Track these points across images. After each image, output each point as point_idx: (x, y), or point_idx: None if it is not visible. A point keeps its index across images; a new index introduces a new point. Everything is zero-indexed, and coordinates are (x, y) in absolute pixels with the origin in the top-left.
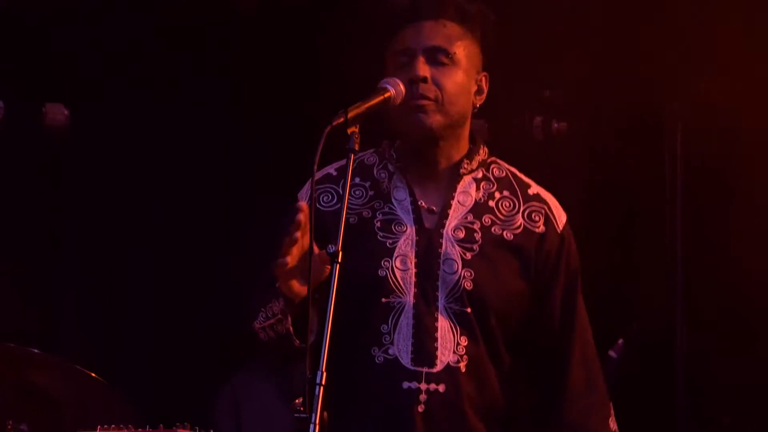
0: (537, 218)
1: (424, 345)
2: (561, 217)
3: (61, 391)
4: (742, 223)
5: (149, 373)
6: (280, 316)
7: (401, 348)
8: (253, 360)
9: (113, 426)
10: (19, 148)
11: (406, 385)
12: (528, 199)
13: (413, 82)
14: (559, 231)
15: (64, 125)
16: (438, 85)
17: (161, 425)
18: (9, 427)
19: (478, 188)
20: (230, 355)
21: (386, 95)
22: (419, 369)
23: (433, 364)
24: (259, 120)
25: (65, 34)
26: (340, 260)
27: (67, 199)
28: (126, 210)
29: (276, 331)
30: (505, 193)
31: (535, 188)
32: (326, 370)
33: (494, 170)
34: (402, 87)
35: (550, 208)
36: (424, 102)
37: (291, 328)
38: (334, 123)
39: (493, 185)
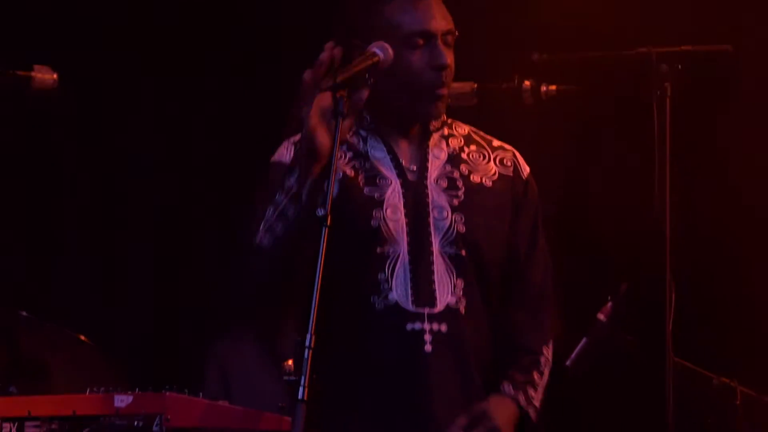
0: (508, 163)
1: (423, 287)
2: (525, 167)
3: (50, 353)
4: (731, 182)
5: (138, 336)
6: (295, 189)
7: (400, 293)
8: (238, 325)
9: (102, 389)
10: (5, 111)
11: (409, 326)
12: (494, 149)
13: (440, 69)
14: (524, 177)
15: (52, 88)
16: (450, 68)
17: (150, 388)
18: None
19: (447, 144)
20: (217, 319)
21: (375, 60)
22: (421, 310)
23: (433, 305)
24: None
25: None
26: (329, 223)
27: (59, 160)
28: (118, 171)
29: (287, 216)
30: (472, 147)
31: (497, 142)
32: (316, 332)
33: (456, 128)
34: (391, 51)
35: (515, 156)
36: (446, 92)
37: (309, 192)
38: (323, 87)
39: (461, 140)
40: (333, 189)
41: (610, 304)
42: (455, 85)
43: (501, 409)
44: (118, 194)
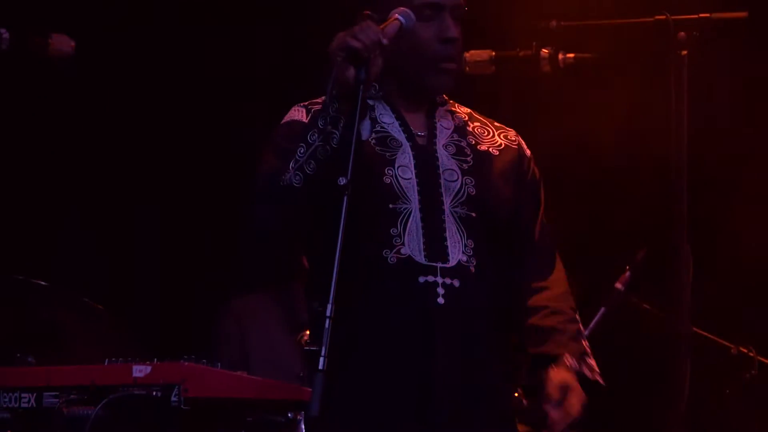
0: (512, 138)
1: (435, 243)
2: (527, 148)
3: (68, 323)
4: (747, 148)
5: (156, 305)
6: (330, 129)
7: (413, 247)
8: (254, 287)
9: (120, 359)
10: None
11: (422, 279)
12: (497, 128)
13: (447, 41)
14: (528, 155)
15: (70, 56)
16: (459, 43)
17: (168, 358)
18: (16, 358)
19: (452, 118)
20: (235, 276)
21: (398, 24)
22: (433, 264)
23: (446, 260)
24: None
25: None
26: (350, 191)
27: (73, 132)
28: (130, 142)
29: (317, 156)
30: (476, 124)
31: (498, 123)
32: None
33: (458, 107)
34: (413, 17)
35: (517, 136)
36: (454, 66)
37: (345, 126)
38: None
39: (464, 117)
40: (352, 156)
41: (628, 273)
42: (473, 52)
43: (573, 381)
44: (135, 163)
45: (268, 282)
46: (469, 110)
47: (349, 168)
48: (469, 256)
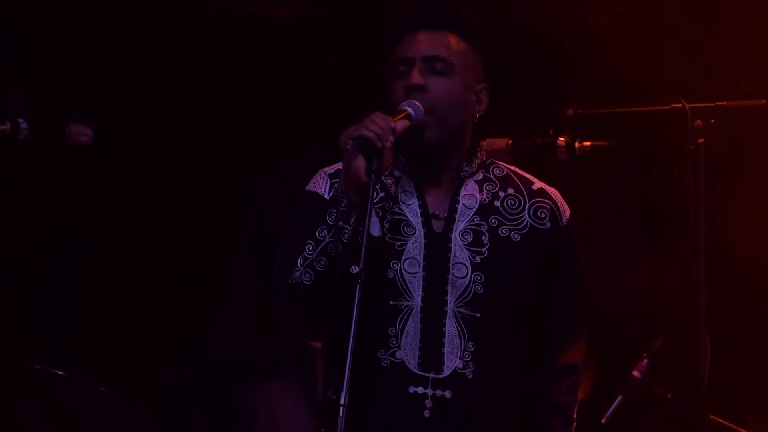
0: (543, 215)
1: (431, 350)
2: (565, 212)
3: (86, 410)
4: (766, 236)
5: (171, 389)
6: (340, 225)
7: (408, 352)
8: (272, 372)
9: None
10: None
11: (412, 389)
12: (533, 194)
13: (409, 89)
14: (563, 226)
15: (88, 145)
16: (437, 94)
17: None
18: None
19: (481, 190)
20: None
21: (406, 113)
22: (426, 374)
23: (440, 370)
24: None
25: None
26: (362, 280)
27: (87, 213)
28: (144, 220)
29: (329, 253)
30: (510, 190)
31: (537, 183)
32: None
33: (494, 170)
34: (423, 109)
35: (555, 203)
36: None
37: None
38: (353, 139)
39: (496, 185)
40: (365, 245)
41: (645, 361)
42: (490, 141)
43: None
44: (147, 242)
45: (291, 365)
46: (508, 170)
47: (362, 256)
48: (467, 361)
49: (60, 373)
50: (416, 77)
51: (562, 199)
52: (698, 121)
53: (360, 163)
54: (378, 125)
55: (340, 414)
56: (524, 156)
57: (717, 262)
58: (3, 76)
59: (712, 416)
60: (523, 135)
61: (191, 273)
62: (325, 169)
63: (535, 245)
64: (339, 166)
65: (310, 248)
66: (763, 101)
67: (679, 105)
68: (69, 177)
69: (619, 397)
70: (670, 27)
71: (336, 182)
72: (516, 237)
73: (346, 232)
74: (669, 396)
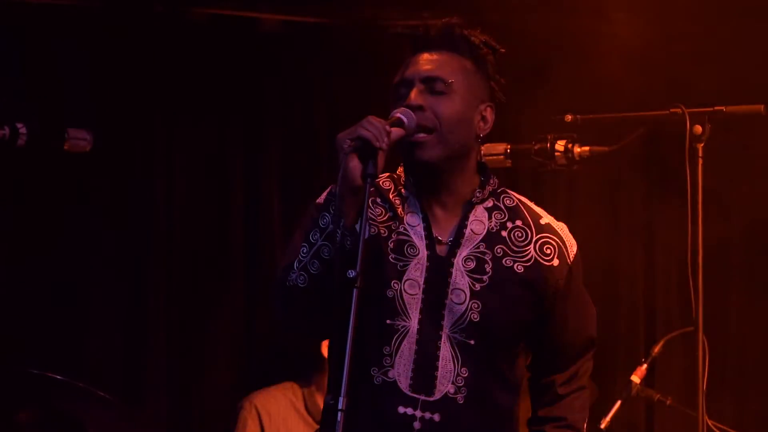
0: (549, 251)
1: (423, 372)
2: (572, 248)
3: (86, 416)
4: (765, 241)
5: (173, 395)
6: (330, 229)
7: (401, 372)
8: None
9: None
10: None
11: (401, 409)
12: (540, 229)
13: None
14: (569, 262)
15: (87, 150)
16: (436, 114)
17: None
18: None
19: (490, 218)
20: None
21: (396, 119)
22: (416, 396)
23: (431, 393)
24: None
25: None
26: (359, 285)
27: (92, 218)
28: (145, 228)
29: (322, 256)
30: (518, 222)
31: (546, 218)
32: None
33: (505, 200)
34: (414, 116)
35: (561, 239)
36: (422, 136)
37: (343, 234)
38: (347, 146)
39: (505, 215)
40: (362, 250)
41: (644, 366)
42: (488, 145)
43: None
44: (150, 248)
45: (288, 374)
46: (518, 200)
47: (359, 261)
48: (459, 387)
49: (59, 378)
50: (413, 98)
51: (569, 234)
52: (697, 126)
53: (355, 164)
54: (374, 126)
55: (338, 419)
56: (522, 161)
57: (716, 265)
58: (2, 81)
59: (710, 422)
60: (521, 140)
61: (189, 275)
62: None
63: (538, 279)
64: None
65: (305, 251)
66: (762, 106)
67: (678, 110)
68: (68, 181)
69: (618, 402)
70: (673, 32)
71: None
72: (519, 269)
73: (338, 236)
74: (668, 401)
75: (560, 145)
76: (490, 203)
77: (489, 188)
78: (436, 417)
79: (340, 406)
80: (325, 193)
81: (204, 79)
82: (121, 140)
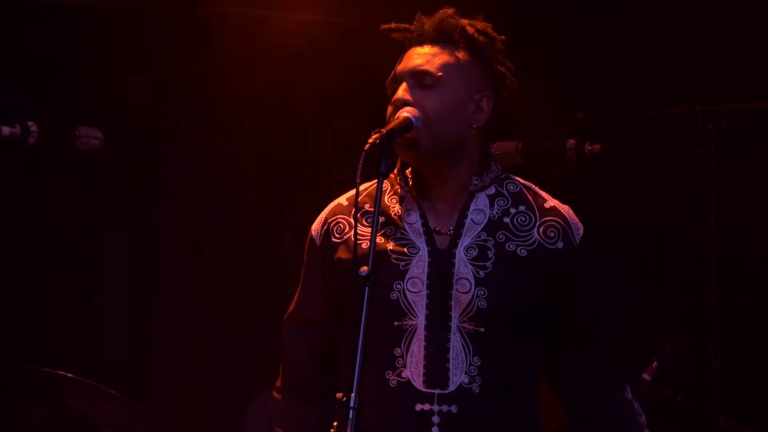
0: (553, 234)
1: (436, 366)
2: (578, 231)
3: (96, 414)
4: None
5: (184, 394)
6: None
7: (413, 371)
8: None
9: None
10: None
11: (418, 407)
12: (544, 213)
13: (396, 107)
14: (576, 245)
15: (98, 149)
16: (423, 108)
17: None
18: None
19: (492, 205)
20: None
21: (408, 119)
22: (431, 391)
23: (445, 386)
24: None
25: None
26: (371, 282)
27: (99, 218)
28: (152, 230)
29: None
30: (521, 208)
31: (551, 202)
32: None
33: (508, 186)
34: (421, 116)
35: (567, 222)
36: (412, 131)
37: None
38: (370, 141)
39: (508, 201)
40: (373, 246)
41: (655, 364)
42: (499, 143)
43: None
44: (158, 251)
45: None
46: (522, 186)
47: (370, 258)
48: (473, 376)
49: (70, 376)
50: (400, 94)
51: (575, 217)
52: (709, 125)
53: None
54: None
55: (350, 416)
56: (534, 159)
57: (727, 264)
58: (13, 79)
59: (723, 419)
60: (532, 138)
61: (196, 277)
62: (327, 208)
63: (543, 262)
64: (342, 197)
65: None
66: None
67: (690, 108)
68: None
69: None
70: (682, 29)
71: (330, 220)
72: (522, 252)
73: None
74: (680, 399)
75: (572, 143)
76: (492, 190)
77: (491, 175)
78: (454, 408)
79: (352, 404)
80: (317, 225)
81: None
82: (121, 140)
